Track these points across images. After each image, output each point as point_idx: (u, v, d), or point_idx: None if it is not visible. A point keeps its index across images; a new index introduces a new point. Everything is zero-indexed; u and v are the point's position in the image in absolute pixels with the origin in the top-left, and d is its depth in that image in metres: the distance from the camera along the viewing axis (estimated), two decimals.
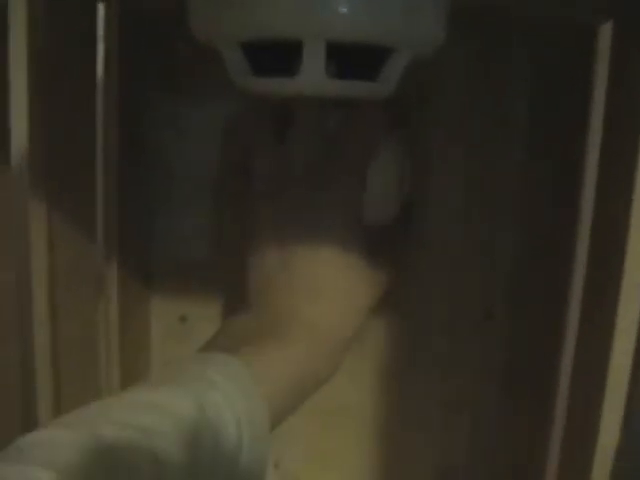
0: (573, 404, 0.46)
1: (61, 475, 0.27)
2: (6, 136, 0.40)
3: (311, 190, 0.43)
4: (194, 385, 0.35)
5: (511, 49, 0.50)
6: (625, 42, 0.43)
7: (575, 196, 0.47)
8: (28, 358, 0.42)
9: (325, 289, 0.43)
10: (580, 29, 0.46)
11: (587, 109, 0.46)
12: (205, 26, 0.36)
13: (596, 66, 0.46)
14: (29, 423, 0.43)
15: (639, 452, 0.41)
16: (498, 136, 0.52)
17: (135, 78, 0.51)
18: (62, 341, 0.44)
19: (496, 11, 0.44)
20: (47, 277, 0.43)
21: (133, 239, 0.52)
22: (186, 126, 0.52)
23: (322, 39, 0.34)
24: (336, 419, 0.56)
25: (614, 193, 0.41)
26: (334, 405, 0.56)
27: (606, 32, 0.45)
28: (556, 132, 0.50)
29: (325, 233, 0.43)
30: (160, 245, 0.55)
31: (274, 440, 0.56)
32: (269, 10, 0.34)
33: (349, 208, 0.43)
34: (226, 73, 0.38)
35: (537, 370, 0.51)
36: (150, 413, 0.32)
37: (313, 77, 0.35)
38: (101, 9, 0.47)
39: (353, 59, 0.36)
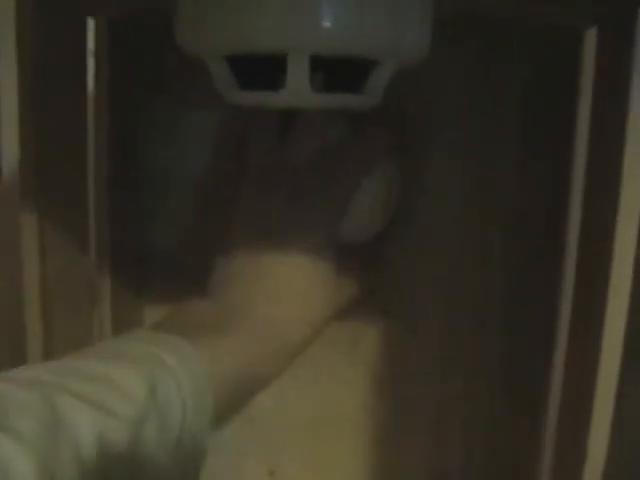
0: (564, 407, 0.46)
1: (10, 437, 0.27)
2: None
3: (296, 196, 0.44)
4: (149, 366, 0.35)
5: (511, 49, 0.50)
6: (608, 47, 0.43)
7: (567, 198, 0.48)
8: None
9: (287, 291, 0.44)
10: (568, 32, 0.47)
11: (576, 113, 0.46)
12: (191, 40, 0.37)
13: (582, 70, 0.46)
14: None
15: (629, 457, 0.42)
16: (496, 136, 0.52)
17: (125, 88, 0.51)
18: (55, 352, 0.44)
19: (480, 17, 0.45)
20: (39, 288, 0.44)
21: (125, 248, 0.52)
22: (176, 135, 0.53)
23: (306, 53, 0.34)
24: (330, 425, 0.56)
25: (601, 198, 0.42)
26: (328, 411, 0.56)
27: (591, 36, 0.46)
28: (553, 133, 0.50)
29: (299, 240, 0.43)
30: (153, 254, 0.55)
31: (269, 447, 0.57)
32: (253, 25, 0.34)
33: (330, 221, 0.44)
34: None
35: (531, 372, 0.52)
36: (105, 389, 0.33)
37: (297, 90, 0.35)
38: (91, 23, 0.48)
39: (337, 72, 0.37)
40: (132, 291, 0.54)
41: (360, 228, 0.46)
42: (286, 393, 0.55)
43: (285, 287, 0.43)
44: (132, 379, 0.34)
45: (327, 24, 0.34)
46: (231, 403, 0.41)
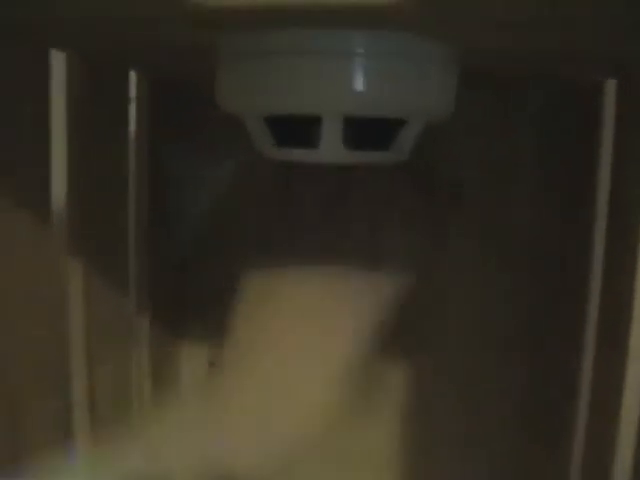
0: (589, 440, 0.47)
1: None
2: (47, 195, 0.43)
3: None
4: None
5: (526, 92, 0.52)
6: (627, 101, 0.45)
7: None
8: (68, 411, 0.45)
9: None
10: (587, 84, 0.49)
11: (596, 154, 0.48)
12: (231, 101, 0.39)
13: (602, 119, 0.48)
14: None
15: None
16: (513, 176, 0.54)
17: (164, 139, 0.54)
18: (97, 391, 0.47)
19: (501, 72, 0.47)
20: (84, 330, 0.46)
21: (164, 291, 0.55)
22: (210, 182, 0.55)
23: (340, 115, 0.37)
24: (354, 459, 0.58)
25: (624, 230, 0.43)
26: (352, 445, 0.58)
27: (611, 88, 0.48)
28: (567, 177, 0.52)
29: None
30: (190, 293, 0.57)
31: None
32: (290, 90, 0.36)
33: None
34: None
35: (555, 404, 0.53)
36: None
37: (331, 149, 0.38)
38: (133, 75, 0.51)
39: (367, 130, 0.39)
40: (170, 332, 0.56)
41: None
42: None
43: None
44: None
45: (360, 88, 0.36)
46: None
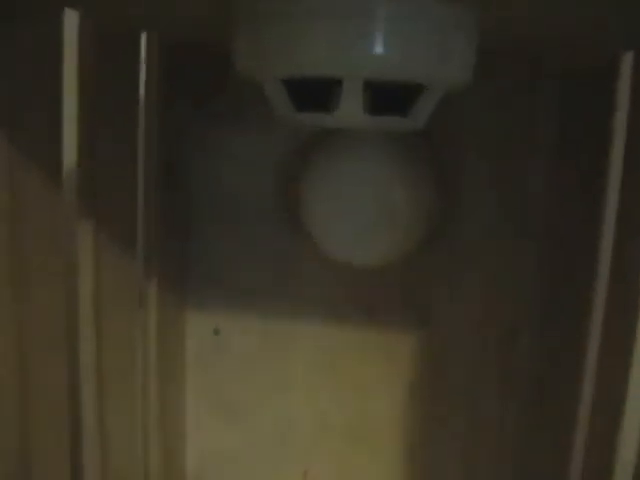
0: (594, 424, 0.47)
1: None
2: (59, 161, 0.42)
3: None
4: None
5: (541, 67, 0.52)
6: None
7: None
8: (75, 372, 0.45)
9: None
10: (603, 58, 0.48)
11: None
12: (250, 64, 0.39)
13: (618, 94, 0.48)
14: (76, 428, 0.46)
15: None
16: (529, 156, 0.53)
17: (176, 101, 0.53)
18: (105, 353, 0.47)
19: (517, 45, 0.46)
20: (93, 294, 0.46)
21: (172, 256, 0.54)
22: (228, 151, 0.55)
23: (360, 78, 0.36)
24: (365, 436, 0.58)
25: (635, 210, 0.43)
26: (364, 422, 0.58)
27: (627, 62, 0.47)
28: (583, 151, 0.51)
29: None
30: (197, 261, 0.57)
31: (304, 452, 0.58)
32: (311, 51, 0.36)
33: None
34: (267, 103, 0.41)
35: (562, 388, 0.52)
36: None
37: (351, 113, 0.37)
38: (144, 37, 0.50)
39: (387, 95, 0.38)
40: (176, 296, 0.56)
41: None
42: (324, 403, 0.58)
43: None
44: None
45: (382, 51, 0.35)
46: None
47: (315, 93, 0.39)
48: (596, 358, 0.48)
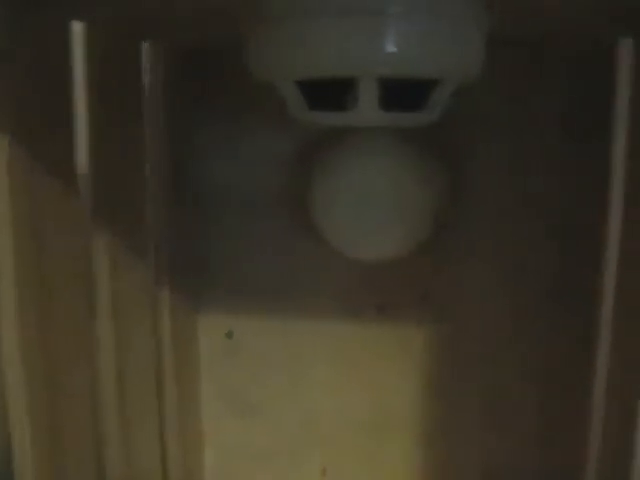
0: (610, 408, 0.47)
1: None
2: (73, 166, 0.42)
3: None
4: None
5: (542, 59, 0.52)
6: None
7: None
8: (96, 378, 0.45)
9: None
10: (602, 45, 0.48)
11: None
12: (262, 66, 0.39)
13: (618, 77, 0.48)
14: (99, 431, 0.46)
15: None
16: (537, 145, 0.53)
17: (184, 105, 0.53)
18: (123, 361, 0.47)
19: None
20: (110, 301, 0.46)
21: (182, 259, 0.54)
22: (236, 152, 0.55)
23: (375, 76, 0.36)
24: (384, 428, 0.58)
25: None
26: (382, 417, 0.58)
27: (626, 48, 0.48)
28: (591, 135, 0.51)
29: None
30: (209, 265, 0.57)
31: (322, 448, 0.59)
32: (326, 52, 0.36)
33: None
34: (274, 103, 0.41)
35: (575, 372, 0.52)
36: None
37: (368, 111, 0.37)
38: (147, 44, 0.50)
39: (401, 91, 0.39)
40: (189, 303, 0.56)
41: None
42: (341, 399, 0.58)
43: None
44: None
45: (396, 49, 0.36)
46: None
47: (328, 92, 0.39)
48: (609, 340, 0.48)
